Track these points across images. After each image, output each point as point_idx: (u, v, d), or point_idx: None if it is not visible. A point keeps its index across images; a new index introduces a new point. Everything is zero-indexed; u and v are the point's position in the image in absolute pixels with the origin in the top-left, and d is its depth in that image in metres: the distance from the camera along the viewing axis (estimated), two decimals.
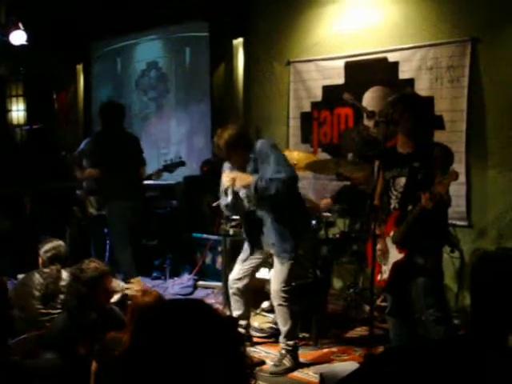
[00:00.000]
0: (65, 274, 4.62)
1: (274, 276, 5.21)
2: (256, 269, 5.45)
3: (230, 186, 5.02)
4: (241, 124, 5.24)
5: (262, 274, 5.73)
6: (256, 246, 5.27)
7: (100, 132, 7.26)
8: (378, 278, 4.62)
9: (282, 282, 5.11)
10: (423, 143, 4.53)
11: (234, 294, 5.37)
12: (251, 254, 5.29)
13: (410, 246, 4.43)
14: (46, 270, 4.73)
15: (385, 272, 4.60)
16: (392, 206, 4.54)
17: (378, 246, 4.56)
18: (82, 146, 7.46)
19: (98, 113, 7.26)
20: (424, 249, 4.43)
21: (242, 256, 5.38)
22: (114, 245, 6.94)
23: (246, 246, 5.37)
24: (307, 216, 5.49)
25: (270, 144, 5.10)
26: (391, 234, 4.52)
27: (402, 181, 4.48)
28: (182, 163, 7.05)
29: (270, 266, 5.46)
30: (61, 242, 4.97)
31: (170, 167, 6.98)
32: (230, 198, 5.08)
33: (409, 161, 4.45)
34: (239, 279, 5.33)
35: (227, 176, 5.05)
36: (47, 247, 4.86)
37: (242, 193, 5.13)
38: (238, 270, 5.36)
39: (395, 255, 4.50)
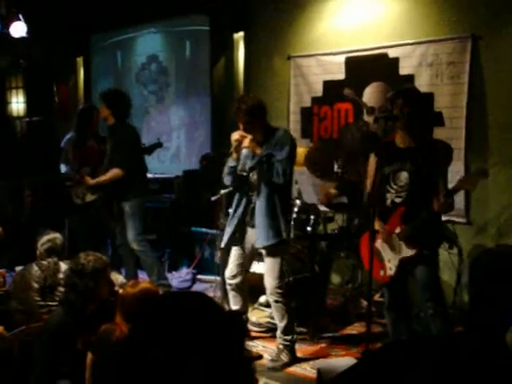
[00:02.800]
0: (63, 267, 4.62)
1: (266, 273, 5.20)
2: (249, 263, 5.45)
3: (237, 143, 5.01)
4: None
5: (259, 268, 5.72)
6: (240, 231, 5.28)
7: (121, 126, 6.70)
8: (381, 273, 4.62)
9: (277, 277, 5.11)
10: (423, 139, 4.54)
11: (232, 289, 5.37)
12: (233, 238, 5.29)
13: (419, 242, 4.44)
14: (44, 263, 4.74)
15: (390, 268, 4.59)
16: (389, 201, 4.55)
17: (379, 242, 4.57)
18: (63, 144, 7.31)
19: (113, 102, 6.62)
20: (425, 245, 4.46)
21: (233, 252, 5.37)
22: (136, 244, 6.64)
23: (227, 229, 5.34)
24: (291, 209, 5.57)
25: (292, 137, 5.18)
26: (397, 230, 4.52)
27: (403, 175, 4.48)
28: (160, 144, 6.97)
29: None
30: (57, 235, 4.98)
31: (147, 150, 6.90)
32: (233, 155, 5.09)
33: (409, 155, 4.46)
34: (234, 276, 5.33)
35: (239, 133, 5.03)
36: (43, 239, 4.88)
37: (242, 155, 5.15)
38: (232, 266, 5.35)
39: (404, 251, 4.51)
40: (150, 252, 6.74)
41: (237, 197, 5.29)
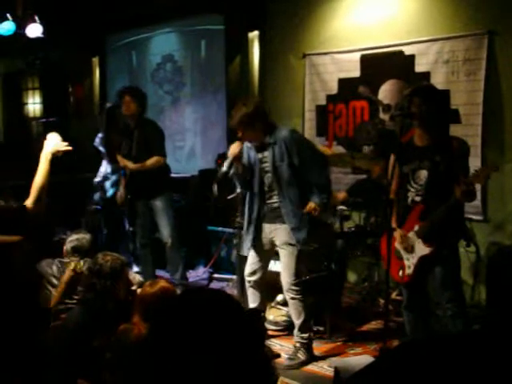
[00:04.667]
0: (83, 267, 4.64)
1: (283, 270, 5.21)
2: (268, 260, 5.46)
3: (234, 156, 5.08)
4: (261, 100, 5.24)
5: (276, 266, 5.73)
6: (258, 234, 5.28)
7: (147, 120, 6.91)
8: (400, 273, 4.58)
9: (292, 275, 5.12)
10: (441, 136, 4.51)
11: (251, 286, 5.37)
12: (253, 242, 5.29)
13: (437, 239, 4.40)
14: (66, 261, 4.76)
15: (409, 267, 4.55)
16: (410, 199, 4.52)
17: (398, 241, 4.55)
18: (96, 143, 7.49)
19: (142, 99, 6.76)
20: (445, 243, 4.42)
21: (251, 250, 5.38)
22: (172, 239, 6.75)
23: (247, 237, 5.37)
24: None
25: (300, 133, 5.35)
26: (415, 228, 4.49)
27: (423, 173, 4.44)
28: None
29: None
30: (86, 235, 4.99)
31: None
32: (225, 167, 5.13)
33: (428, 153, 4.42)
34: (253, 273, 5.34)
35: (237, 146, 5.10)
36: (73, 237, 4.91)
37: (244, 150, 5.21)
38: (251, 263, 5.36)
39: (422, 249, 4.47)
40: (180, 250, 6.86)
41: (248, 200, 5.29)
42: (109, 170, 7.54)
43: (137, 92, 6.82)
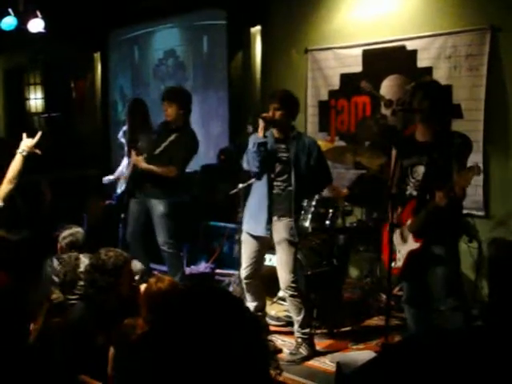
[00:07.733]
0: (84, 261, 4.64)
1: (281, 267, 5.21)
2: (263, 257, 5.48)
3: (266, 119, 5.07)
4: None
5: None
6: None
7: (189, 130, 6.40)
8: (393, 264, 4.61)
9: (291, 272, 5.13)
10: (442, 131, 4.52)
11: (249, 288, 5.38)
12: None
13: (427, 235, 4.43)
14: (65, 257, 4.75)
15: (399, 260, 4.60)
16: (408, 193, 4.55)
17: (396, 235, 4.56)
18: (119, 137, 7.54)
19: (181, 100, 6.27)
20: (440, 239, 4.43)
21: (246, 250, 5.38)
22: (167, 246, 6.44)
23: (245, 237, 5.38)
24: None
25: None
26: (408, 222, 4.51)
27: (421, 169, 4.48)
28: None
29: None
30: (79, 229, 5.01)
31: None
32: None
33: (428, 149, 4.44)
34: (250, 276, 5.35)
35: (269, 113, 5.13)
36: (65, 233, 4.91)
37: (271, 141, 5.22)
38: (246, 265, 5.36)
39: (411, 244, 4.50)
40: (178, 255, 6.63)
41: (259, 186, 5.28)
42: (125, 164, 7.52)
43: (175, 94, 6.37)
